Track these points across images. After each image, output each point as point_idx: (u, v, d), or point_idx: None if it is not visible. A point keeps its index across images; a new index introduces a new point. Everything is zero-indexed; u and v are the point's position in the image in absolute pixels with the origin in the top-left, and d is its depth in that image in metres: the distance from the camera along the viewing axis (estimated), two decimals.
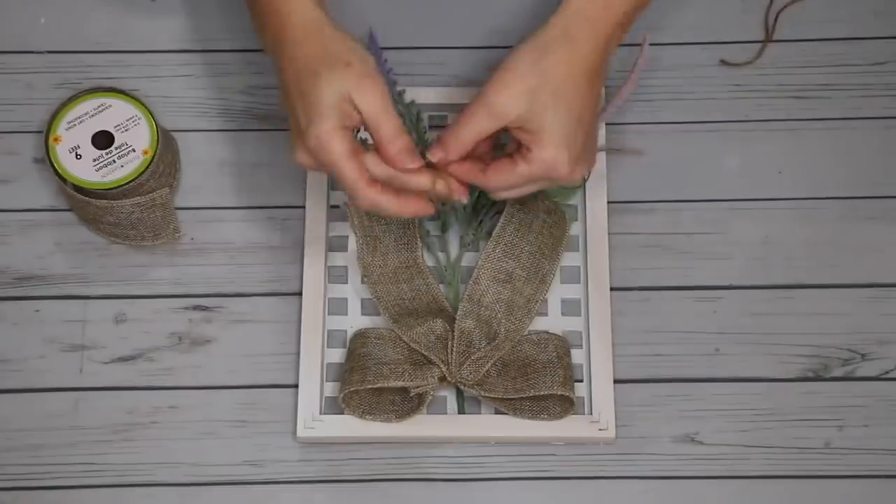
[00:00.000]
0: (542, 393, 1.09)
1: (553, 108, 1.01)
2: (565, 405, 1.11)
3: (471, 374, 1.10)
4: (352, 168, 1.01)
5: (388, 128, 1.01)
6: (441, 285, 1.16)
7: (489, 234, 1.16)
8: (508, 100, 1.01)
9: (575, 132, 1.02)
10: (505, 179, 1.03)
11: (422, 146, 1.15)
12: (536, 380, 1.10)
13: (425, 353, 1.11)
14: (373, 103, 1.01)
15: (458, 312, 1.12)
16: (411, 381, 1.09)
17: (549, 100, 1.01)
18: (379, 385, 1.09)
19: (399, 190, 1.03)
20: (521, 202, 1.15)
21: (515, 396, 1.10)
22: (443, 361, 1.10)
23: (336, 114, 1.00)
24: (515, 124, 1.01)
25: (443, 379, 1.10)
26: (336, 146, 1.00)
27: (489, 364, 1.11)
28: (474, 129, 1.02)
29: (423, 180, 1.03)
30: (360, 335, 1.13)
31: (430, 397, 1.10)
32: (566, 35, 1.02)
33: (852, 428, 1.12)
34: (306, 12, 1.03)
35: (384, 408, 1.11)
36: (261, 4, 1.05)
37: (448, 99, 1.20)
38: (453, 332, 1.11)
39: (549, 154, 1.01)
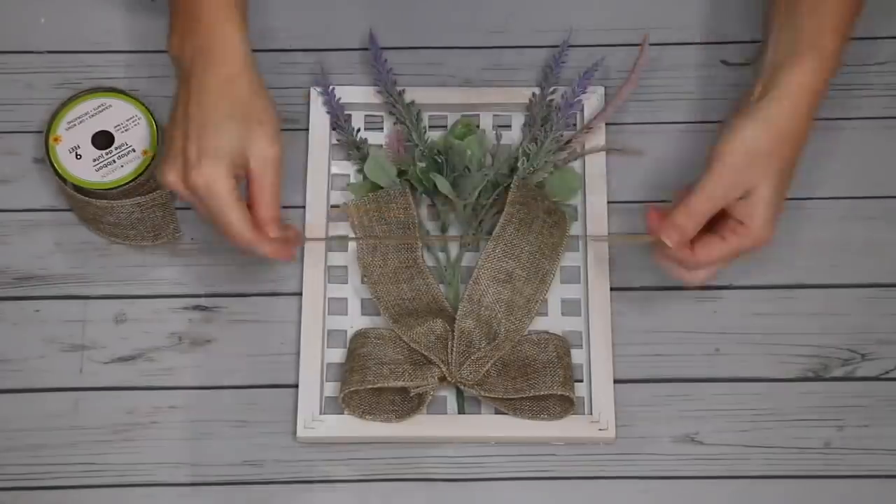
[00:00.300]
0: (541, 393, 1.09)
1: (774, 184, 1.03)
2: (565, 405, 1.11)
3: (471, 374, 1.10)
4: (239, 215, 1.03)
5: (271, 194, 1.04)
6: (441, 285, 1.16)
7: (489, 234, 1.16)
8: (742, 177, 1.02)
9: (779, 207, 1.04)
10: (713, 255, 1.04)
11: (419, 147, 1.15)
12: (536, 380, 1.10)
13: (425, 353, 1.11)
14: (264, 166, 1.03)
15: (458, 312, 1.12)
16: (411, 381, 1.09)
17: (773, 177, 1.02)
18: (379, 385, 1.09)
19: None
20: (522, 202, 1.14)
21: (515, 396, 1.10)
22: (443, 361, 1.10)
23: (230, 159, 1.02)
24: (736, 198, 1.03)
25: (443, 379, 1.10)
26: (223, 189, 1.02)
27: (489, 364, 1.11)
28: (709, 206, 1.03)
29: (270, 249, 1.06)
30: (360, 335, 1.13)
31: (430, 397, 1.10)
32: (795, 111, 1.02)
33: (852, 428, 1.12)
34: (240, 50, 1.04)
35: (384, 408, 1.11)
36: (189, 10, 1.04)
37: (448, 99, 1.20)
38: (453, 332, 1.11)
39: (763, 229, 1.03)
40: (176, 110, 1.04)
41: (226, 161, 1.02)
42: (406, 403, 1.11)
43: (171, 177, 1.04)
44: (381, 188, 1.17)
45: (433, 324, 1.11)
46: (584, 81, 1.19)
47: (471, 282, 1.13)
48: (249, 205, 1.04)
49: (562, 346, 1.13)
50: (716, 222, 1.05)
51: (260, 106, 1.04)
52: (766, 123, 1.03)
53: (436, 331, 1.11)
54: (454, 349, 1.11)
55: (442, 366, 1.10)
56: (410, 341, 1.11)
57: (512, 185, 1.15)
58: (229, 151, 1.02)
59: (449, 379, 1.10)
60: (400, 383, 1.09)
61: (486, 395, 1.10)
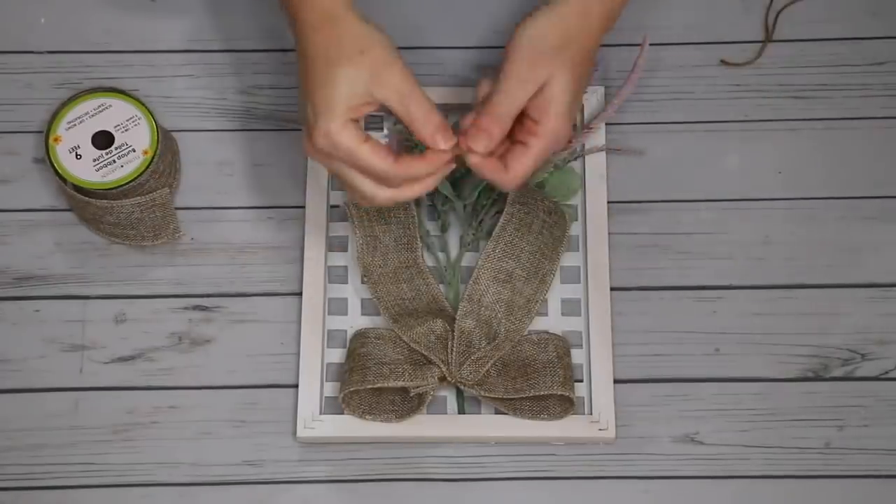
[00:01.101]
0: (541, 393, 1.09)
1: (567, 79, 1.02)
2: (565, 405, 1.11)
3: (471, 374, 1.10)
4: (374, 154, 1.00)
5: (417, 109, 1.00)
6: (441, 285, 1.16)
7: (489, 233, 1.16)
8: (535, 71, 1.01)
9: (575, 101, 1.03)
10: (525, 165, 1.03)
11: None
12: (536, 380, 1.10)
13: (425, 353, 1.11)
14: (394, 90, 1.00)
15: (458, 312, 1.12)
16: (411, 380, 1.09)
17: (566, 71, 1.02)
18: (379, 385, 1.09)
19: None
20: (522, 202, 1.14)
21: (515, 396, 1.10)
22: (443, 361, 1.10)
23: (344, 109, 0.99)
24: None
25: (443, 379, 1.10)
26: (346, 139, 0.99)
27: (489, 364, 1.11)
28: (511, 104, 1.02)
29: (447, 159, 1.02)
30: (360, 335, 1.13)
31: (430, 397, 1.10)
32: (585, 11, 1.03)
33: (852, 428, 1.12)
34: (339, 4, 1.01)
35: (384, 408, 1.11)
36: None
37: (448, 99, 1.20)
38: (453, 332, 1.11)
39: (559, 123, 1.02)
40: (299, 78, 1.03)
41: (339, 111, 0.99)
42: (406, 404, 1.11)
43: (307, 147, 1.02)
44: None
45: (433, 324, 1.11)
46: None
47: (471, 282, 1.13)
48: (410, 130, 1.01)
49: (562, 346, 1.13)
50: (515, 131, 1.04)
51: (356, 37, 1.00)
52: (554, 19, 1.03)
53: (436, 331, 1.11)
54: (454, 349, 1.11)
55: (442, 366, 1.10)
56: (410, 341, 1.11)
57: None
58: (344, 98, 0.99)
59: (449, 379, 1.10)
60: (400, 383, 1.09)
61: (486, 395, 1.10)
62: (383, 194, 1.02)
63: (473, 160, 1.03)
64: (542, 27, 1.03)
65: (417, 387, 1.09)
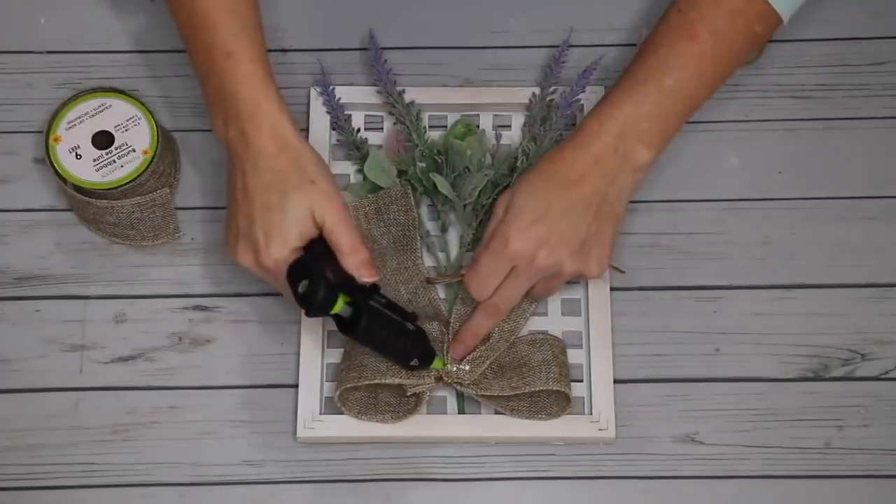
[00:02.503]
0: (536, 389, 1.09)
1: (520, 193, 1.07)
2: (562, 403, 1.11)
3: (466, 374, 1.10)
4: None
5: (348, 242, 1.05)
6: (440, 286, 1.16)
7: None
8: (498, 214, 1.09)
9: (533, 216, 1.06)
10: (475, 272, 1.08)
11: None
12: (531, 377, 1.10)
13: None
14: (334, 220, 1.05)
15: (454, 315, 1.12)
16: (407, 378, 1.09)
17: (521, 187, 1.08)
18: (376, 381, 1.09)
19: None
20: None
21: (511, 394, 1.10)
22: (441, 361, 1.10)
23: (297, 238, 1.05)
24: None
25: (439, 379, 1.10)
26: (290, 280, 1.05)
27: (485, 365, 1.11)
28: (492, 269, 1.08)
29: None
30: None
31: (427, 397, 1.10)
32: (559, 149, 1.09)
33: (852, 428, 1.12)
34: (278, 122, 1.06)
35: (381, 408, 1.11)
36: (225, 94, 1.06)
37: (447, 99, 1.20)
38: (449, 333, 1.11)
39: (499, 229, 1.07)
40: (235, 190, 1.06)
41: (292, 238, 1.04)
42: (403, 405, 1.11)
43: (246, 260, 1.06)
44: (381, 188, 1.17)
45: (429, 326, 1.11)
46: (583, 81, 1.19)
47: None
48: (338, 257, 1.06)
49: (557, 345, 1.13)
50: None
51: (308, 167, 1.06)
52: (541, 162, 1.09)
53: (432, 332, 1.11)
54: (449, 351, 1.11)
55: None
56: None
57: (510, 186, 1.15)
58: (294, 225, 1.04)
59: (445, 379, 1.10)
60: (397, 380, 1.09)
61: (483, 393, 1.10)
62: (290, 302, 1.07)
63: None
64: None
65: (414, 386, 1.09)
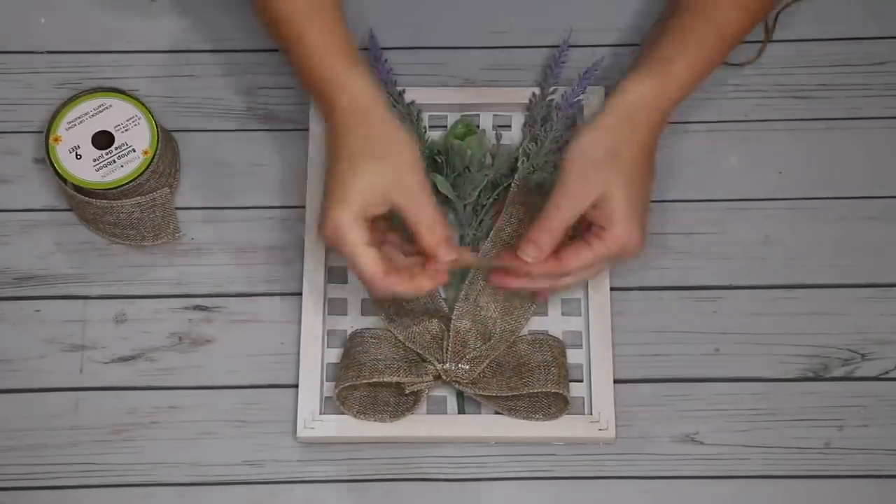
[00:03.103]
0: (535, 390, 1.09)
1: (624, 188, 1.04)
2: (560, 405, 1.11)
3: (465, 372, 1.10)
4: (368, 261, 1.03)
5: (426, 218, 1.03)
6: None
7: (489, 233, 1.16)
8: (590, 187, 1.04)
9: (641, 210, 1.06)
10: (581, 260, 1.06)
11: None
12: (530, 378, 1.10)
13: (420, 352, 1.11)
14: (411, 196, 1.03)
15: (454, 312, 1.12)
16: (406, 377, 1.09)
17: (620, 181, 1.04)
18: (374, 380, 1.09)
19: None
20: (522, 202, 1.14)
21: (509, 394, 1.10)
22: (438, 360, 1.10)
23: (359, 205, 1.02)
24: (592, 206, 1.04)
25: (438, 377, 1.10)
26: (352, 236, 1.02)
27: (484, 364, 1.11)
28: (562, 218, 1.05)
29: (445, 269, 1.06)
30: (356, 335, 1.13)
31: (426, 395, 1.10)
32: (629, 121, 1.06)
33: (852, 428, 1.12)
34: (357, 94, 1.05)
35: (379, 407, 1.11)
36: (313, 76, 1.06)
37: (448, 99, 1.20)
38: (449, 331, 1.11)
39: (623, 231, 1.05)
40: (326, 162, 1.06)
41: (353, 206, 1.03)
42: (401, 404, 1.11)
43: (316, 231, 1.05)
44: None
45: (429, 323, 1.11)
46: (583, 81, 1.19)
47: (467, 282, 1.13)
48: (414, 235, 1.04)
49: (557, 346, 1.13)
50: (584, 231, 1.07)
51: (383, 139, 1.04)
52: (600, 131, 1.06)
53: (431, 330, 1.11)
54: (449, 348, 1.11)
55: (437, 364, 1.10)
56: (406, 340, 1.11)
57: (512, 185, 1.15)
58: (356, 195, 1.03)
59: (444, 377, 1.10)
60: (395, 378, 1.09)
61: (481, 393, 1.10)
62: (371, 283, 1.04)
63: (534, 259, 1.06)
64: (589, 142, 1.05)
65: (412, 384, 1.09)
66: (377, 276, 1.03)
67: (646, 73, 1.06)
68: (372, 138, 1.04)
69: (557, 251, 1.06)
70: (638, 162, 1.06)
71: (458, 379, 1.10)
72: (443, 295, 1.15)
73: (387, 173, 1.03)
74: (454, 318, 1.12)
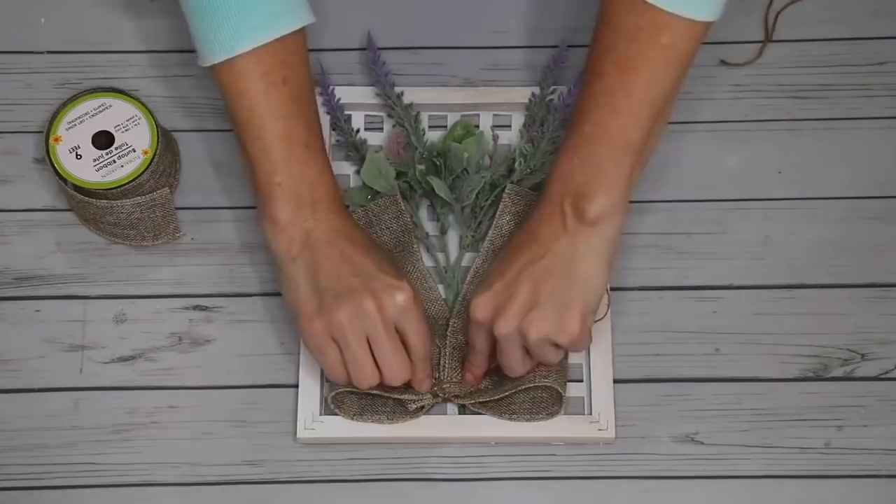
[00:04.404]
0: (525, 386, 1.09)
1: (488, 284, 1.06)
2: (556, 402, 1.10)
3: (459, 389, 1.10)
4: (427, 335, 1.07)
5: (422, 351, 1.06)
6: (440, 285, 1.15)
7: (486, 235, 1.15)
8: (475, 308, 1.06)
9: (492, 282, 1.05)
10: (473, 357, 1.09)
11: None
12: (521, 379, 1.09)
13: None
14: (413, 322, 1.05)
15: (449, 329, 1.12)
16: (403, 394, 1.09)
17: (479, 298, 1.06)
18: (374, 393, 1.09)
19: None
20: (513, 212, 1.14)
21: (502, 395, 1.09)
22: (435, 378, 1.10)
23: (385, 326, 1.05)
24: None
25: (435, 395, 1.10)
26: (420, 311, 1.05)
27: (482, 377, 1.11)
28: (472, 347, 1.09)
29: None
30: None
31: (427, 409, 1.10)
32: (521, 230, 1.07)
33: (852, 428, 1.12)
34: (351, 216, 1.09)
35: (377, 409, 1.11)
36: (305, 182, 1.06)
37: (447, 99, 1.20)
38: (445, 348, 1.11)
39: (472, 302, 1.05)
40: (319, 272, 1.05)
41: (411, 286, 1.06)
42: (398, 409, 1.11)
43: (367, 307, 1.04)
44: (377, 194, 1.17)
45: None
46: (582, 81, 1.19)
47: (460, 298, 1.13)
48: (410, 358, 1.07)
49: None
50: None
51: (395, 266, 1.08)
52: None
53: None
54: (446, 366, 1.11)
55: (434, 383, 1.10)
56: None
57: (504, 195, 1.15)
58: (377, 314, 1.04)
59: (441, 395, 1.10)
60: (395, 396, 1.09)
61: (480, 400, 1.10)
62: (399, 369, 1.06)
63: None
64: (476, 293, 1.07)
65: (412, 402, 1.09)
66: (429, 360, 1.08)
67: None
68: (388, 265, 1.07)
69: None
70: (510, 242, 1.07)
71: (455, 394, 1.10)
72: (443, 295, 1.15)
73: (398, 300, 1.04)
74: (449, 334, 1.12)
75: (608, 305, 1.13)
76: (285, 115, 1.05)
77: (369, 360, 1.05)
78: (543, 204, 1.04)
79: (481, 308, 1.04)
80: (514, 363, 1.07)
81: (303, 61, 1.06)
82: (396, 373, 1.05)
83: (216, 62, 1.04)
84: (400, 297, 1.03)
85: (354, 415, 1.10)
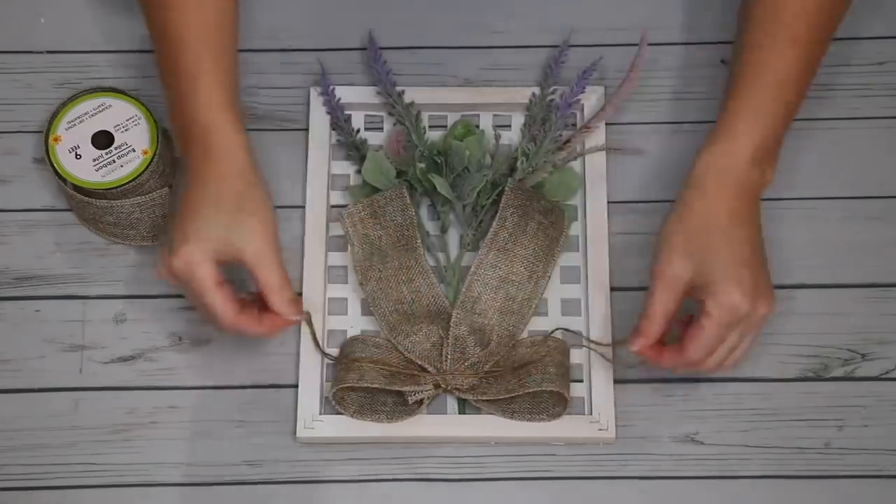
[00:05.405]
0: (531, 390, 1.09)
1: (711, 256, 1.04)
2: (560, 403, 1.10)
3: (464, 380, 1.10)
4: (218, 299, 1.04)
5: (276, 279, 1.05)
6: (441, 285, 1.15)
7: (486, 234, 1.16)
8: (676, 267, 1.04)
9: (738, 271, 1.04)
10: (702, 344, 1.05)
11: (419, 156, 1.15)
12: (527, 378, 1.10)
13: (420, 363, 1.11)
14: (259, 257, 1.04)
15: (452, 320, 1.12)
16: (405, 386, 1.09)
17: (705, 252, 1.04)
18: (376, 385, 1.09)
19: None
20: (517, 205, 1.14)
21: (506, 396, 1.09)
22: (437, 369, 1.10)
23: (214, 246, 1.03)
24: (689, 286, 1.05)
25: (437, 385, 1.10)
26: (202, 272, 1.04)
27: (484, 369, 1.11)
28: (661, 306, 1.05)
29: (257, 330, 1.08)
30: (356, 339, 1.13)
31: (427, 402, 1.10)
32: (699, 190, 1.06)
33: (852, 428, 1.12)
34: (236, 148, 1.06)
35: (377, 408, 1.11)
36: (186, 116, 1.06)
37: (447, 99, 1.20)
38: (447, 338, 1.11)
39: (723, 299, 1.03)
40: (174, 202, 1.06)
41: (207, 246, 1.04)
42: (399, 406, 1.11)
43: (158, 265, 1.06)
44: (379, 191, 1.17)
45: (428, 330, 1.11)
46: (583, 81, 1.19)
47: (464, 288, 1.13)
48: (262, 294, 1.06)
49: (557, 346, 1.12)
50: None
51: (254, 198, 1.05)
52: (681, 209, 1.06)
53: (431, 338, 1.11)
54: (449, 357, 1.11)
55: (436, 373, 1.10)
56: (405, 351, 1.11)
57: (506, 189, 1.15)
58: (213, 238, 1.04)
59: (443, 386, 1.10)
60: (396, 387, 1.09)
61: (481, 398, 1.10)
62: (220, 323, 1.06)
63: (643, 353, 1.07)
64: (666, 227, 1.06)
65: (413, 393, 1.09)
66: (227, 315, 1.05)
67: (712, 139, 1.07)
68: (236, 195, 1.05)
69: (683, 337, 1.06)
70: (720, 227, 1.05)
71: (457, 386, 1.10)
72: (444, 291, 1.15)
73: (241, 229, 1.04)
74: (452, 325, 1.12)
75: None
76: (197, 38, 1.07)
77: (206, 312, 1.06)
78: (732, 174, 1.06)
79: (751, 297, 1.03)
80: (724, 352, 1.06)
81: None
82: (224, 325, 1.05)
83: None
84: (176, 264, 1.04)
85: (354, 412, 1.10)
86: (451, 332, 1.11)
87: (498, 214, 1.14)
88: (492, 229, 1.14)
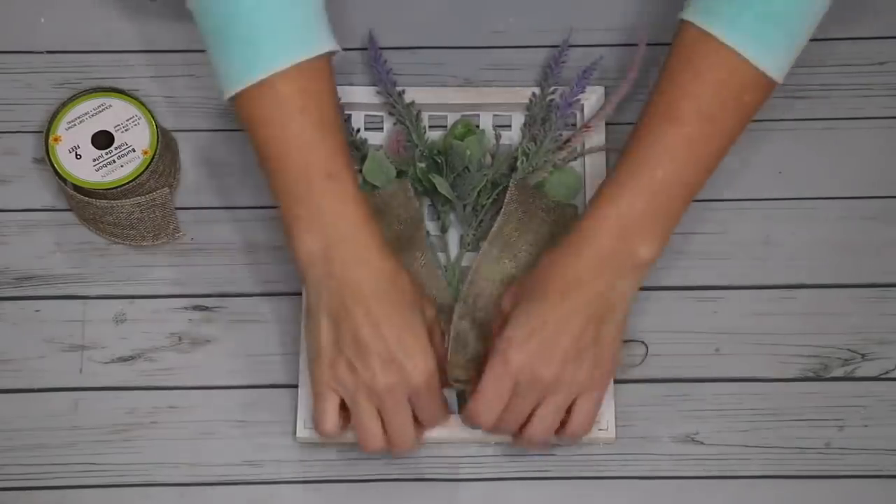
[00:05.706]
0: None
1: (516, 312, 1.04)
2: None
3: (464, 373, 1.10)
4: (438, 416, 1.07)
5: (435, 425, 1.07)
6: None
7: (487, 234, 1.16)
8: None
9: (533, 325, 1.02)
10: (485, 395, 1.03)
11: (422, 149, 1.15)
12: None
13: None
14: (433, 403, 1.05)
15: (455, 314, 1.12)
16: None
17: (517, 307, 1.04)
18: None
19: None
20: (520, 200, 1.14)
21: None
22: None
23: (431, 351, 1.03)
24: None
25: None
26: (437, 389, 1.05)
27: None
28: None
29: None
30: None
31: None
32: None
33: (852, 428, 1.12)
34: (383, 245, 1.03)
35: None
36: (326, 215, 1.02)
37: (447, 99, 1.20)
38: (449, 333, 1.11)
39: (500, 348, 1.03)
40: (344, 312, 1.02)
41: (429, 350, 1.03)
42: None
43: (388, 379, 1.02)
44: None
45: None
46: (583, 81, 1.19)
47: (467, 283, 1.13)
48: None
49: None
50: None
51: (417, 287, 1.06)
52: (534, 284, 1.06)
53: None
54: (449, 349, 1.11)
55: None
56: None
57: (510, 185, 1.15)
58: (425, 340, 1.04)
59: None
60: None
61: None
62: (406, 438, 1.05)
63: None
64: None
65: None
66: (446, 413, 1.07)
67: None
68: (413, 287, 1.05)
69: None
70: (543, 280, 1.03)
71: (457, 378, 1.10)
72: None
73: (430, 316, 1.06)
74: (455, 319, 1.12)
75: (645, 354, 1.13)
76: (301, 145, 1.02)
77: (377, 427, 1.04)
78: (589, 243, 1.02)
79: (526, 351, 1.01)
80: (522, 416, 1.04)
81: (324, 88, 1.03)
82: (403, 441, 1.04)
83: (232, 94, 1.02)
84: (416, 376, 1.02)
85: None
86: (453, 326, 1.11)
87: (503, 210, 1.14)
88: (496, 224, 1.14)
